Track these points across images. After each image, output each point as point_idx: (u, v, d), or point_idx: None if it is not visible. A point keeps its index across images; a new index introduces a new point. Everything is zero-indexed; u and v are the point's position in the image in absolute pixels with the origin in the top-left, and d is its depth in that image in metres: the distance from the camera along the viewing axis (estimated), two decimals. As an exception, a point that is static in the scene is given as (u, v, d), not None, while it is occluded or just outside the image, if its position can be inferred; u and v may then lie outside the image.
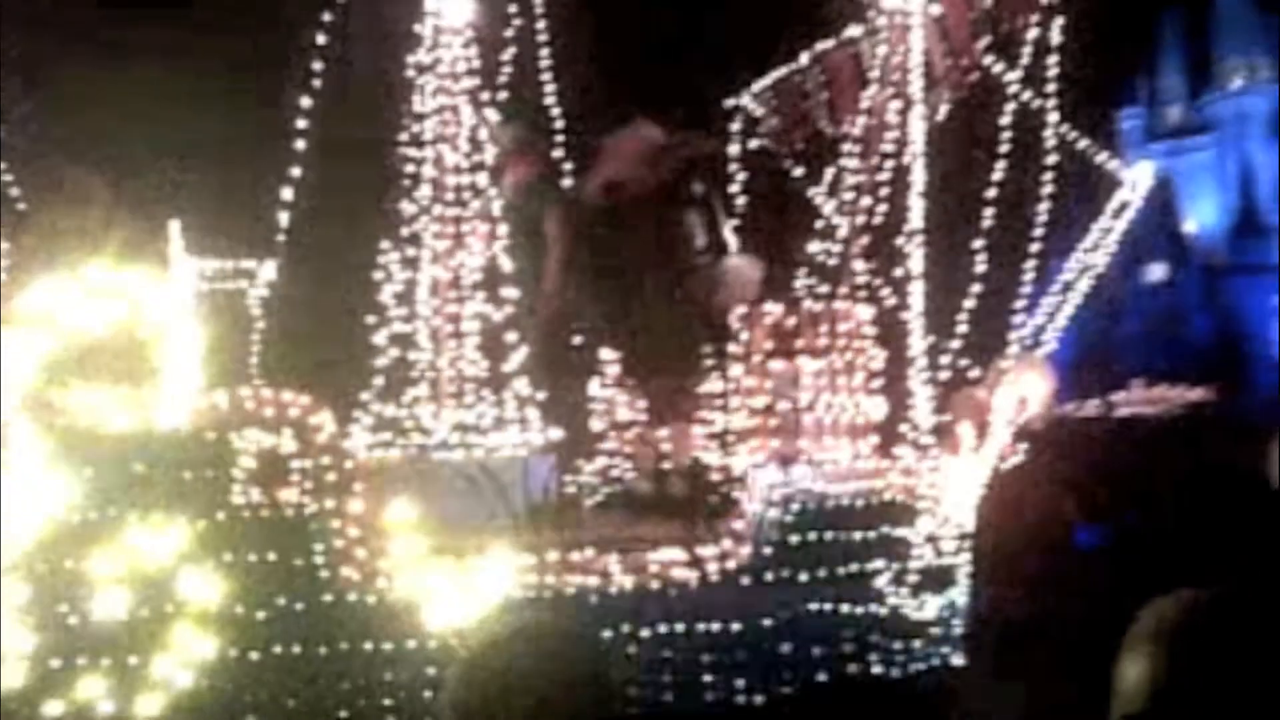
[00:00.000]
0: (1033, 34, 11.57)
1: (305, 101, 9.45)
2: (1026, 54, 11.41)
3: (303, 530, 7.59)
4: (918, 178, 11.28)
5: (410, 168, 10.26)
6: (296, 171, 9.40)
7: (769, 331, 9.18)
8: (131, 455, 7.37)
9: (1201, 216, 50.88)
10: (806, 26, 13.27)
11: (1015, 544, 12.87)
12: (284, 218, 9.68)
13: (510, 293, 10.21)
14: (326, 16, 9.88)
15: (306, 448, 7.67)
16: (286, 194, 9.63)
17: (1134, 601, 1.81)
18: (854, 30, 12.42)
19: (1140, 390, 41.83)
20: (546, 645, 1.84)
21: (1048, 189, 12.49)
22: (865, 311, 9.62)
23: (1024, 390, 11.17)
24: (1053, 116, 11.82)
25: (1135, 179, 12.94)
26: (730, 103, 13.56)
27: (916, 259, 10.80)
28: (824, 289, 11.68)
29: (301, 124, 9.66)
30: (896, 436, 9.62)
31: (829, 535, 8.66)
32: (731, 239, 11.85)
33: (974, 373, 11.15)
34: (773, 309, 9.32)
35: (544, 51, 11.00)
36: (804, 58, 12.99)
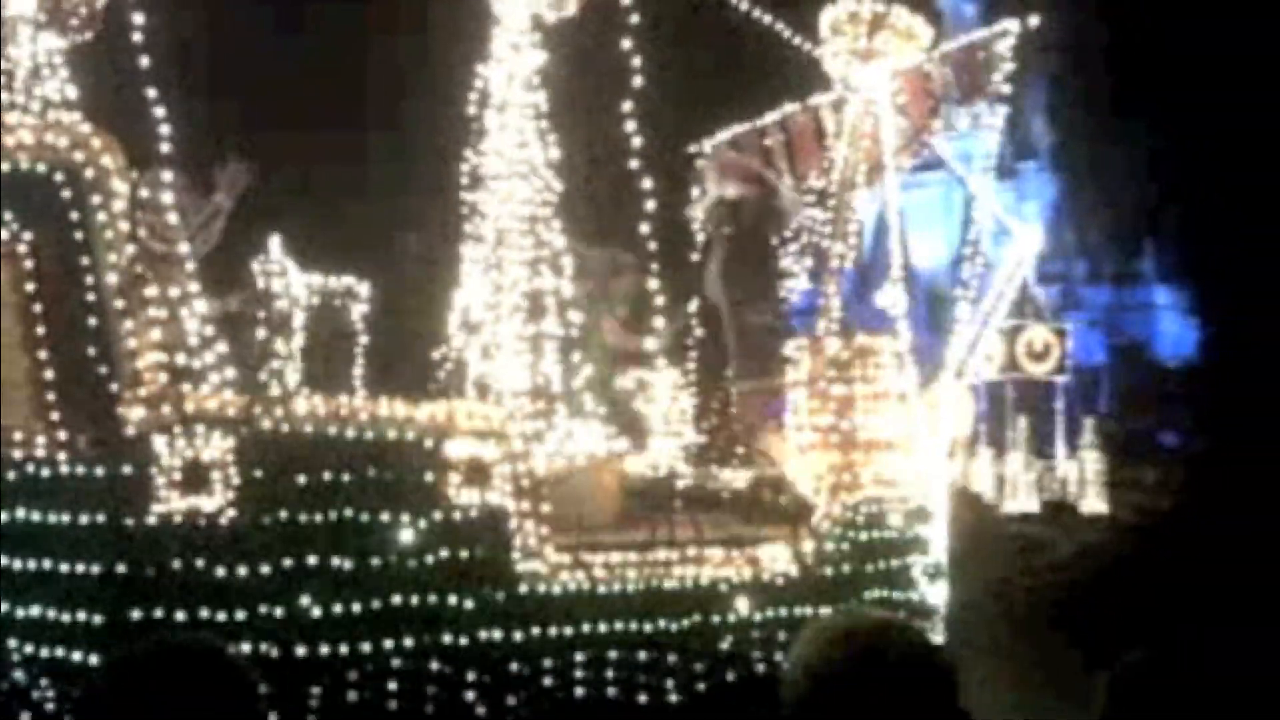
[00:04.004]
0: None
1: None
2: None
3: (504, 528, 8.63)
4: (895, 230, 13.29)
5: (486, 201, 11.27)
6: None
7: (829, 361, 10.86)
8: (360, 460, 8.20)
9: (929, 248, 56.32)
10: (770, 89, 15.04)
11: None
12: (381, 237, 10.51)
13: (575, 316, 11.41)
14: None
15: (506, 455, 8.71)
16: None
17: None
18: (818, 98, 14.29)
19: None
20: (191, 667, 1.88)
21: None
22: (891, 343, 11.46)
23: (952, 412, 13.34)
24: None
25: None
26: (692, 148, 15.16)
27: (901, 300, 12.80)
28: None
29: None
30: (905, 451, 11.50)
31: (886, 533, 10.42)
32: None
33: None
34: (831, 342, 11.01)
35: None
36: (768, 116, 14.76)
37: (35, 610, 7.62)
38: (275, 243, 10.68)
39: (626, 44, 10.98)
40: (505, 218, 11.25)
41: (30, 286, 7.76)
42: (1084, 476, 38.38)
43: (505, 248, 11.25)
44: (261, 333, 10.48)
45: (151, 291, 7.77)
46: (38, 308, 7.75)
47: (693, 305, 13.65)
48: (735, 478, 11.59)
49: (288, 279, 10.34)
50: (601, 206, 12.44)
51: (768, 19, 13.66)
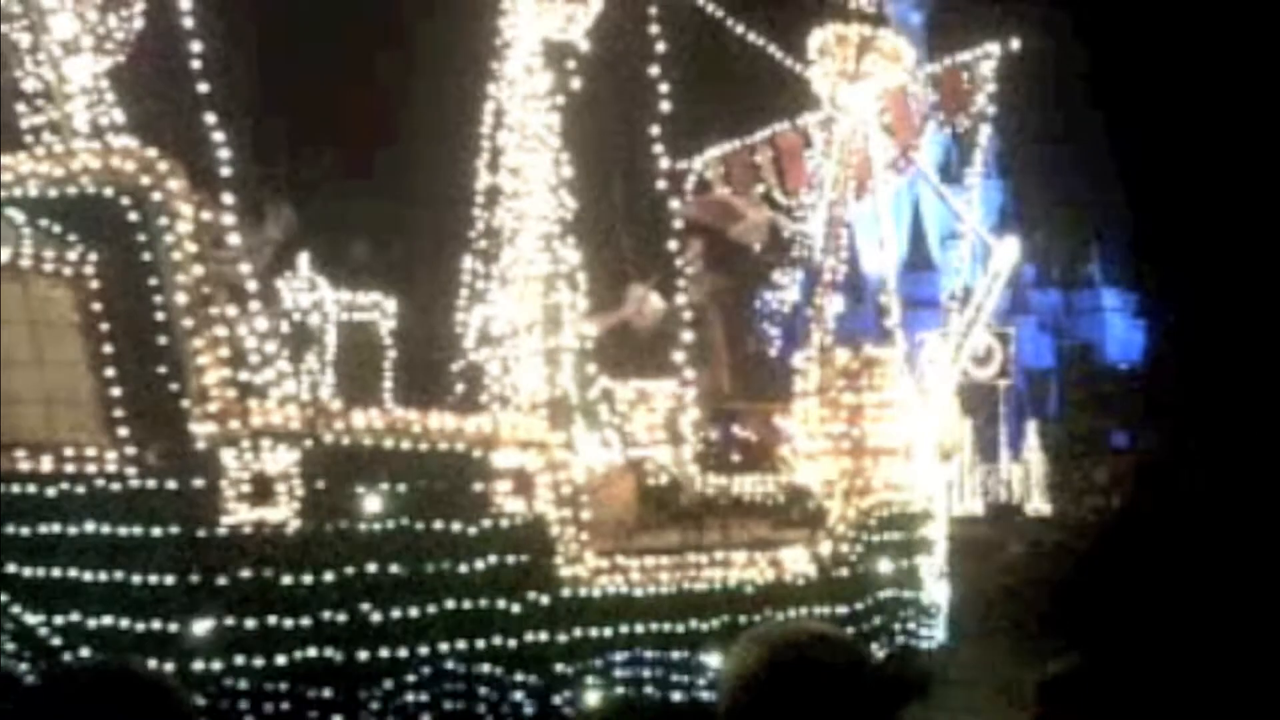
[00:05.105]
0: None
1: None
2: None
3: (546, 534, 9.01)
4: (890, 245, 13.91)
5: (502, 218, 11.64)
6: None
7: (839, 371, 11.37)
8: (419, 470, 8.55)
9: (877, 255, 57.18)
10: (757, 107, 15.56)
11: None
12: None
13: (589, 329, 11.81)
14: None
15: (548, 465, 9.09)
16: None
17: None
18: (807, 117, 14.85)
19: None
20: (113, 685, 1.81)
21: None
22: (895, 354, 12.00)
23: (938, 417, 13.92)
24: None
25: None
26: (681, 164, 15.64)
27: (895, 311, 13.39)
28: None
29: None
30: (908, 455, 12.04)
31: (896, 535, 10.95)
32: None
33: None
34: (841, 353, 11.53)
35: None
36: (758, 134, 15.29)
37: (109, 620, 7.87)
38: (304, 260, 11.02)
39: (645, 67, 11.44)
40: (522, 235, 11.62)
41: (96, 307, 8.03)
42: (1028, 478, 39.20)
43: (521, 264, 11.62)
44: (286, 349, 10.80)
45: (217, 310, 8.06)
46: (104, 327, 8.02)
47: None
48: (755, 484, 12.06)
49: (319, 295, 10.65)
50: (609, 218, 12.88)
51: (760, 41, 14.20)
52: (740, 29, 14.09)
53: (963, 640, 12.19)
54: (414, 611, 8.45)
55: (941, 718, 10.62)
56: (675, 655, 9.46)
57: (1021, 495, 34.88)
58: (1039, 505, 34.27)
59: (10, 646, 7.90)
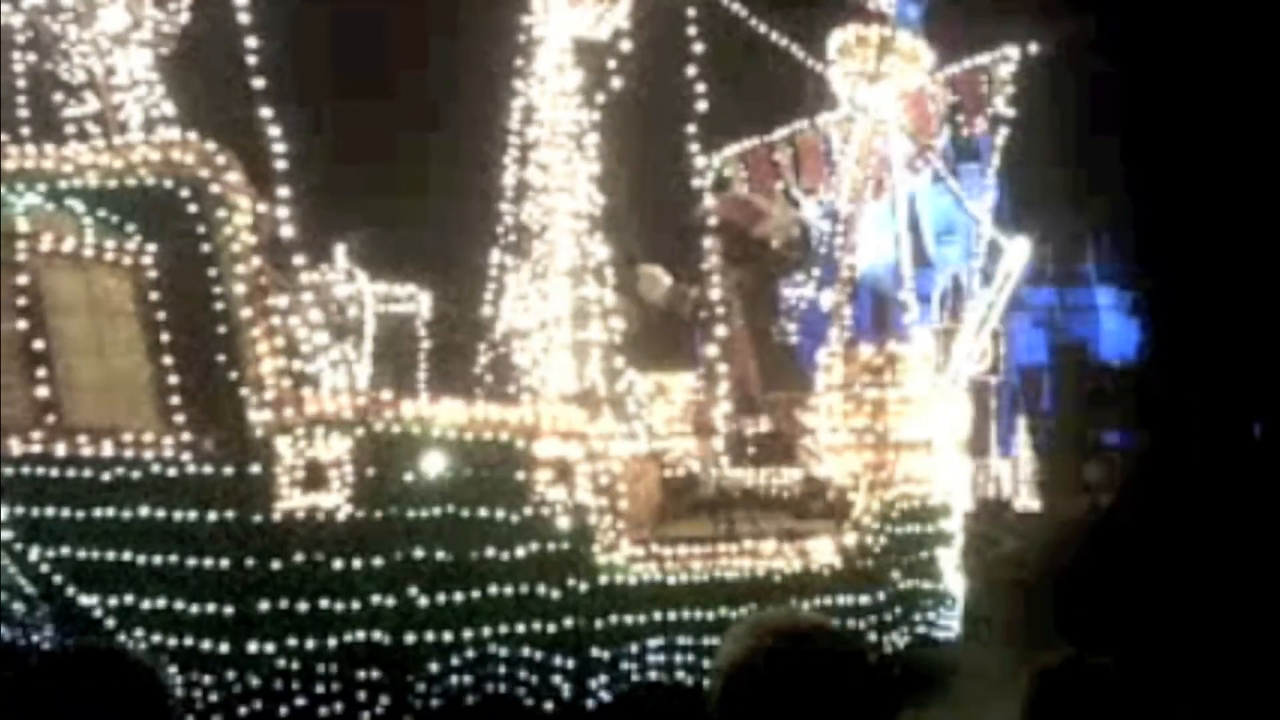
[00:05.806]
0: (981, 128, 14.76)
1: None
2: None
3: (585, 523, 9.23)
4: (905, 244, 14.20)
5: (536, 213, 11.85)
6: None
7: (862, 367, 11.62)
8: (465, 459, 8.77)
9: (872, 250, 57.52)
10: (777, 106, 15.80)
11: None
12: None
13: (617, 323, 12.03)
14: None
15: (588, 455, 9.31)
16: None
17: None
18: (826, 116, 15.09)
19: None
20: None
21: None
22: (915, 349, 12.25)
23: (955, 412, 14.19)
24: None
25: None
26: (701, 162, 15.87)
27: (913, 308, 13.65)
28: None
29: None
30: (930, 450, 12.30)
31: (917, 528, 11.20)
32: None
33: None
34: (864, 349, 11.79)
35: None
36: (777, 133, 15.55)
37: (163, 602, 8.08)
38: (340, 251, 11.21)
39: (671, 64, 11.66)
40: (551, 229, 11.84)
41: (155, 296, 8.22)
42: (1017, 475, 39.48)
43: (551, 258, 11.83)
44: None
45: (273, 300, 8.26)
46: (163, 316, 8.21)
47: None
48: (772, 475, 12.30)
49: (356, 286, 10.85)
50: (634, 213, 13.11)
51: (781, 41, 14.43)
52: (761, 29, 14.32)
53: (965, 632, 12.44)
54: (459, 596, 8.68)
55: (940, 711, 10.89)
56: (706, 642, 9.69)
57: (1011, 491, 35.16)
58: (1027, 502, 34.59)
59: (65, 627, 8.12)
